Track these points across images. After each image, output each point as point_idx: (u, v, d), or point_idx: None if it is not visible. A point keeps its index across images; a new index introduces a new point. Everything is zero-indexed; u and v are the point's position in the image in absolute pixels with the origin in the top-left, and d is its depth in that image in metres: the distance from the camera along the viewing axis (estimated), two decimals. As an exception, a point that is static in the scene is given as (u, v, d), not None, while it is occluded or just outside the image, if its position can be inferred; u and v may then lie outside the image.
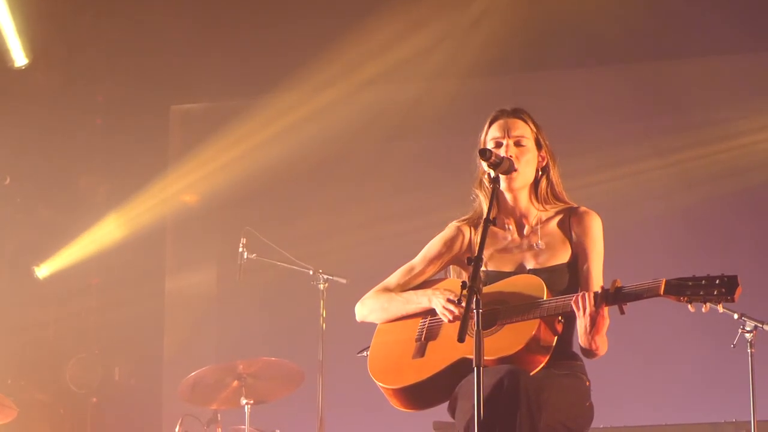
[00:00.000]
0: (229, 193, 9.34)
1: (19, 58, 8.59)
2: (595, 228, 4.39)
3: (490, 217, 3.99)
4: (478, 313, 3.71)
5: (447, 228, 4.58)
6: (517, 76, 8.92)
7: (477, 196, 4.50)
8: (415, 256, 4.60)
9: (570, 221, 4.41)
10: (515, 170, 4.30)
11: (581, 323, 4.07)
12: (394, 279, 4.56)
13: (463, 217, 4.56)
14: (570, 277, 4.32)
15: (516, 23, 8.36)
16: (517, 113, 4.45)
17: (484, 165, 4.29)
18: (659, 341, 8.53)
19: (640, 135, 8.96)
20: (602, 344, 4.14)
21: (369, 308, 4.54)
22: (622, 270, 4.12)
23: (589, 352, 4.18)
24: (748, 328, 6.04)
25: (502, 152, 4.30)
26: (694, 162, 8.80)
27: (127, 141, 9.35)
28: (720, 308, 3.94)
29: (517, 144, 4.37)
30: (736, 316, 6.05)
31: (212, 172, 9.27)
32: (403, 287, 4.53)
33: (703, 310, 3.88)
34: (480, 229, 4.35)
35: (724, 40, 8.38)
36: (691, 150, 8.80)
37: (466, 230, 4.53)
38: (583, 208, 4.44)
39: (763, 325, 6.02)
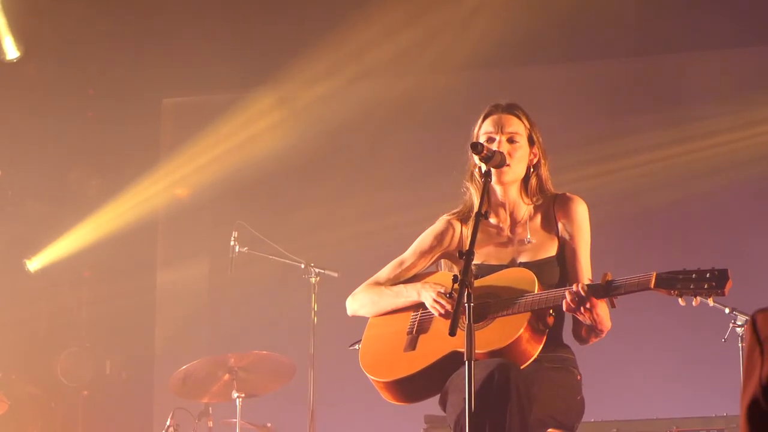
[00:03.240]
0: (220, 187, 9.33)
1: (11, 51, 8.56)
2: (580, 213, 4.38)
3: (482, 211, 3.99)
4: (469, 307, 3.71)
5: (437, 222, 4.57)
6: (512, 70, 8.92)
7: (468, 189, 4.50)
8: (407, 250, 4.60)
9: (554, 208, 4.41)
10: (507, 165, 4.29)
11: (582, 319, 4.06)
12: (384, 273, 4.56)
13: (453, 211, 4.55)
14: (561, 270, 4.32)
15: (510, 17, 8.35)
16: (512, 109, 4.43)
17: (476, 158, 4.30)
18: (650, 335, 8.54)
19: (634, 129, 8.96)
20: (605, 325, 4.13)
21: (359, 302, 4.54)
22: (613, 265, 4.12)
23: (597, 332, 4.17)
24: (739, 323, 6.05)
25: (494, 147, 4.29)
26: (687, 156, 8.80)
27: (118, 134, 9.33)
28: (710, 302, 3.95)
29: (510, 141, 4.36)
30: (727, 310, 6.05)
31: (204, 166, 9.26)
32: (394, 281, 4.52)
33: (694, 303, 3.88)
34: (471, 223, 4.37)
35: (719, 35, 8.39)
36: (685, 144, 8.80)
37: (457, 224, 4.53)
38: (567, 194, 4.44)
39: (754, 319, 6.02)
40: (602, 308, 4.07)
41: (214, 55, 9.10)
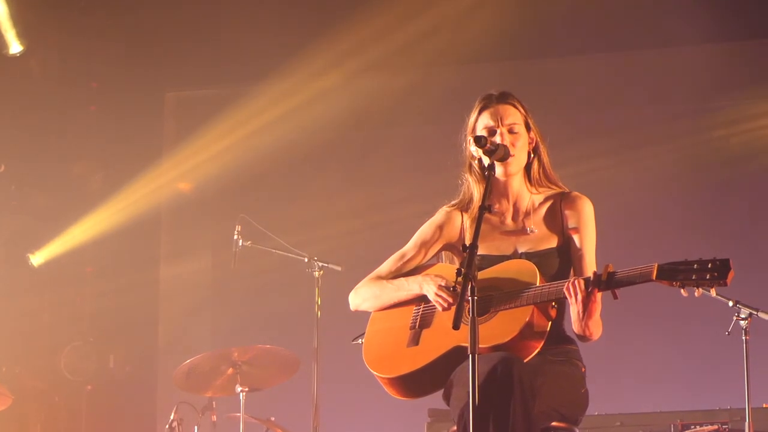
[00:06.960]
0: (224, 181, 9.33)
1: (14, 45, 8.55)
2: (587, 212, 4.38)
3: (485, 205, 3.98)
4: (473, 300, 3.70)
5: (437, 213, 4.56)
6: (513, 63, 8.91)
7: (465, 180, 4.49)
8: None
9: (561, 206, 4.40)
10: (511, 155, 4.29)
11: (574, 309, 4.05)
12: (386, 267, 4.54)
13: (453, 202, 4.55)
14: (560, 261, 4.32)
15: (512, 10, 8.34)
16: (506, 98, 4.42)
17: (480, 152, 4.29)
18: (655, 328, 8.54)
19: (637, 122, 8.96)
20: (596, 329, 4.12)
21: (362, 297, 4.53)
22: (615, 257, 4.11)
23: (583, 338, 4.15)
24: (742, 316, 6.04)
25: (497, 139, 4.29)
26: (688, 150, 8.80)
27: (121, 128, 9.33)
28: (713, 292, 3.94)
29: (511, 131, 4.36)
30: (731, 303, 6.04)
31: (207, 160, 9.26)
32: (396, 274, 4.50)
33: (696, 294, 3.87)
34: (470, 214, 4.40)
35: (720, 28, 8.37)
36: (685, 137, 8.80)
37: (457, 214, 4.52)
38: (574, 193, 4.43)
39: (757, 312, 6.02)
40: (596, 312, 4.06)
41: (216, 49, 9.10)
